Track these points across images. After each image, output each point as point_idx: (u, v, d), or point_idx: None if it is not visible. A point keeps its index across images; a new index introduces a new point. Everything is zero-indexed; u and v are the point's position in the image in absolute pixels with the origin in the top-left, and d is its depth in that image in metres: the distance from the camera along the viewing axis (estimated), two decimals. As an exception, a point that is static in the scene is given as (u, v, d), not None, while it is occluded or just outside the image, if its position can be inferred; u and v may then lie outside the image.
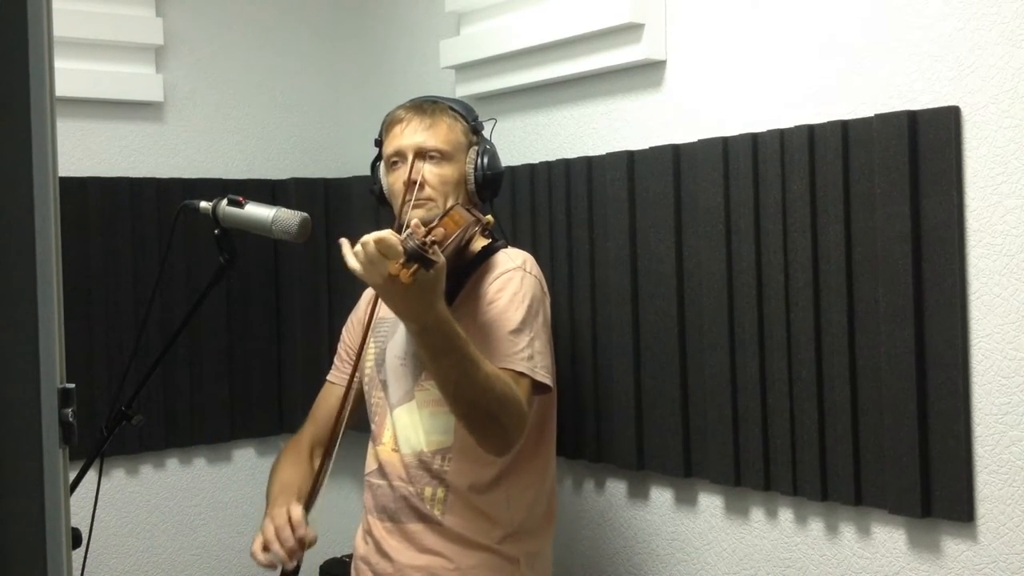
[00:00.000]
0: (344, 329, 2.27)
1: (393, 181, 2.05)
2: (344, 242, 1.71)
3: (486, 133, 2.13)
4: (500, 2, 2.69)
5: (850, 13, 2.01)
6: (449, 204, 1.98)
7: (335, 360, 2.27)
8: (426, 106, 2.07)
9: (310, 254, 3.01)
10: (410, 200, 1.98)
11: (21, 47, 0.98)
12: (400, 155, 2.03)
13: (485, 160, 2.05)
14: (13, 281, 0.99)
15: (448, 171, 2.02)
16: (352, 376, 2.05)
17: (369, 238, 1.63)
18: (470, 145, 2.07)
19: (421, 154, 2.01)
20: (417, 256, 1.55)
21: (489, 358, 1.86)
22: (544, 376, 1.89)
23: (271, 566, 1.92)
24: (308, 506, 1.97)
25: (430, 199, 1.99)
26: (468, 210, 1.93)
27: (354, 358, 2.12)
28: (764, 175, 2.11)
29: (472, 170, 2.04)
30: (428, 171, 2.00)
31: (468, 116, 2.09)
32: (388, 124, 2.08)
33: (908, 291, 1.88)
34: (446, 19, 2.92)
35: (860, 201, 1.96)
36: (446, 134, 2.03)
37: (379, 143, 2.13)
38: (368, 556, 2.06)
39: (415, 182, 1.99)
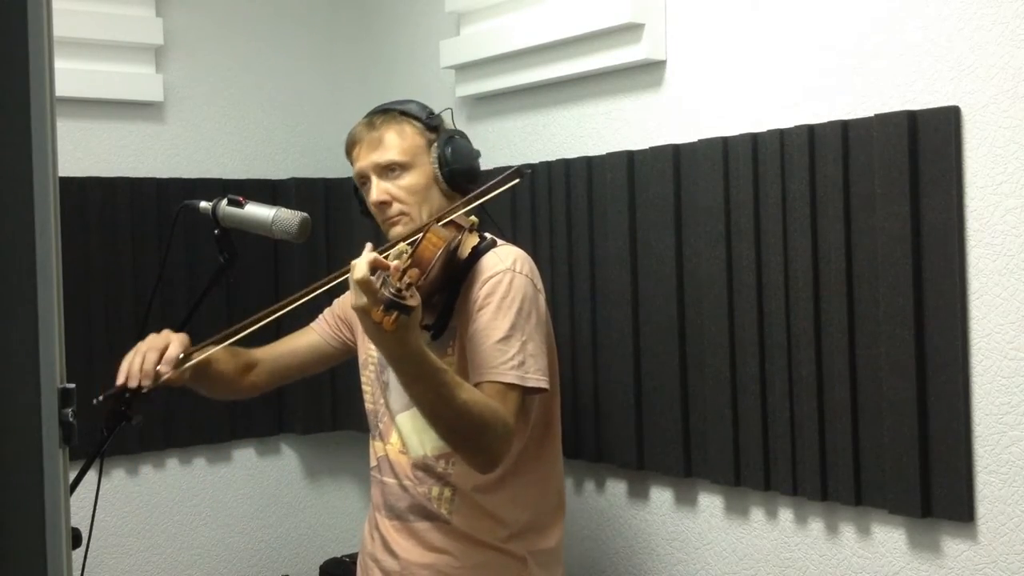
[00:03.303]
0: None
1: (368, 203, 2.04)
2: (368, 246, 1.70)
3: (449, 123, 2.08)
4: (500, 2, 2.69)
5: (850, 13, 2.01)
6: (424, 212, 1.97)
7: (324, 314, 2.26)
8: (375, 120, 2.03)
9: (310, 254, 3.01)
10: (385, 220, 2.00)
11: (21, 47, 0.98)
12: (363, 177, 2.02)
13: (448, 153, 2.00)
14: (13, 281, 0.99)
15: (412, 180, 1.99)
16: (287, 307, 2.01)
17: (353, 270, 1.63)
18: (429, 144, 2.02)
19: (381, 171, 1.99)
20: (394, 305, 1.57)
21: (478, 369, 1.86)
22: (537, 380, 1.88)
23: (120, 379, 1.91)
24: (188, 356, 1.96)
25: (403, 213, 1.98)
26: (449, 222, 1.88)
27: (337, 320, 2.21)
28: (764, 175, 2.11)
29: (437, 168, 2.01)
30: (392, 187, 1.98)
31: (421, 115, 2.04)
32: (348, 147, 2.06)
33: (908, 291, 1.88)
34: (446, 19, 2.92)
35: (860, 201, 1.96)
36: (399, 144, 1.99)
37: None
38: (375, 553, 2.06)
39: (384, 202, 1.98)
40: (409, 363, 1.69)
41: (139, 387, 1.90)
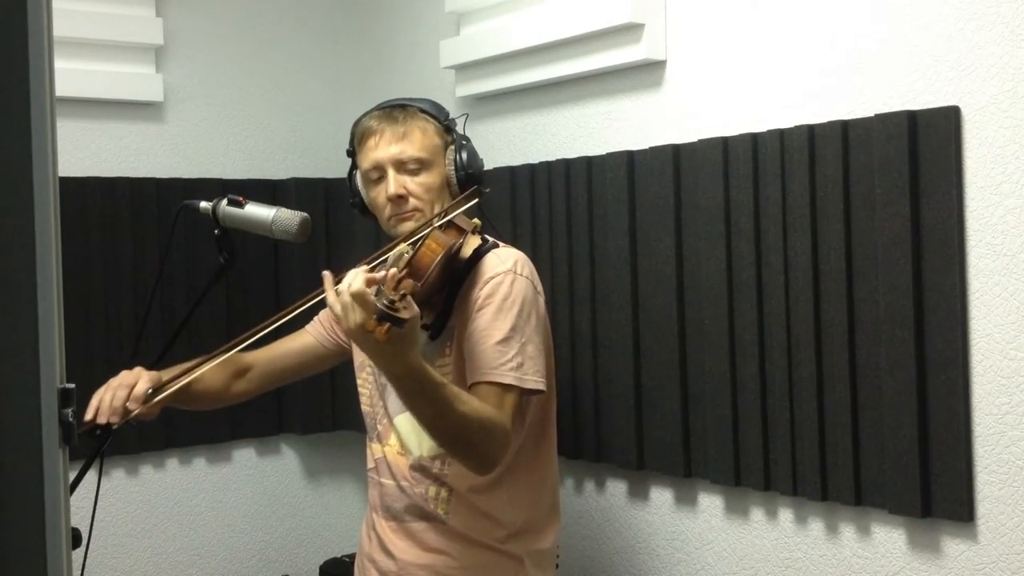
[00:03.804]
0: None
1: (376, 196, 2.01)
2: (327, 276, 1.70)
3: (459, 128, 2.09)
4: (500, 2, 2.69)
5: (850, 13, 2.01)
6: (436, 209, 1.96)
7: (319, 317, 2.25)
8: (396, 113, 2.01)
9: (310, 254, 3.01)
10: (397, 215, 1.97)
11: (21, 47, 0.98)
12: (379, 169, 1.99)
13: (464, 157, 2.01)
14: (13, 281, 0.99)
15: (430, 178, 1.98)
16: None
17: (344, 288, 1.62)
18: (446, 145, 2.03)
19: (400, 165, 1.98)
20: (386, 317, 1.56)
21: (476, 369, 1.86)
22: (535, 382, 1.88)
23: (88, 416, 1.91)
24: (158, 391, 1.95)
25: (417, 209, 1.97)
26: (450, 225, 1.87)
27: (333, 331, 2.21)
28: (764, 175, 2.11)
29: (453, 171, 2.01)
30: (411, 182, 1.97)
31: (439, 116, 2.04)
32: (360, 135, 2.03)
33: (908, 291, 1.88)
34: (446, 19, 2.92)
35: (860, 201, 1.96)
36: (421, 140, 1.98)
37: (351, 153, 2.08)
38: (372, 553, 2.06)
39: (401, 196, 1.97)
40: (408, 380, 1.69)
41: (108, 424, 1.90)
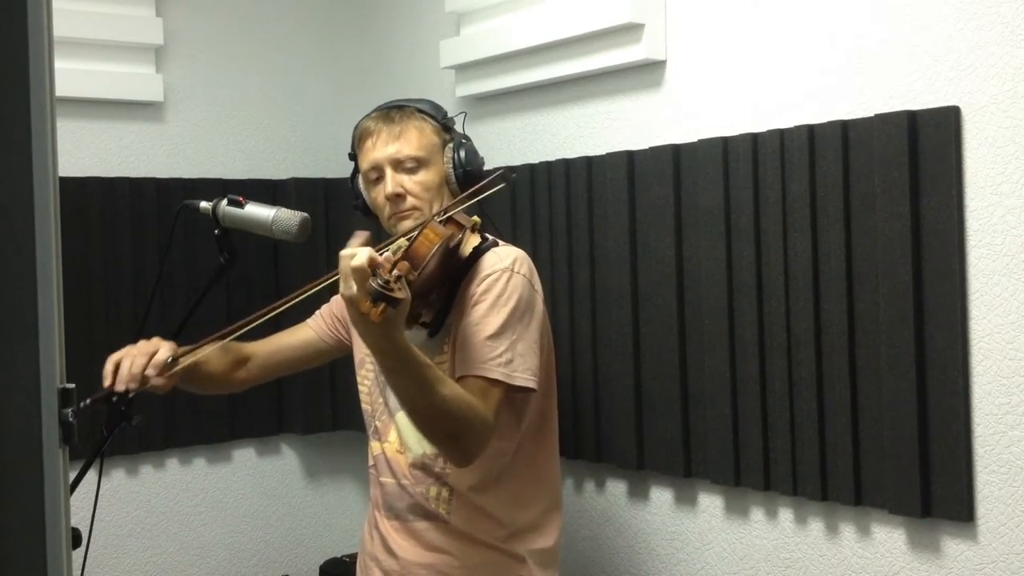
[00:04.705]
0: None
1: (375, 196, 2.03)
2: (363, 235, 1.69)
3: (457, 127, 2.10)
4: (500, 2, 2.69)
5: (850, 13, 2.01)
6: (434, 211, 1.98)
7: (320, 312, 2.26)
8: (393, 113, 2.03)
9: (310, 254, 3.01)
10: (396, 214, 1.98)
11: (21, 47, 0.98)
12: (377, 169, 2.01)
13: (462, 155, 2.03)
14: (13, 281, 0.99)
15: (428, 176, 2.00)
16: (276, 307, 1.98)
17: (346, 256, 1.62)
18: (444, 144, 2.04)
19: (397, 164, 2.00)
20: (381, 297, 1.57)
21: (465, 363, 1.86)
22: (524, 379, 1.88)
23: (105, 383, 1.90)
24: (176, 359, 1.95)
25: (415, 208, 1.99)
26: (449, 220, 1.87)
27: (337, 324, 2.21)
28: (764, 175, 2.11)
29: (451, 169, 2.02)
30: (408, 181, 1.99)
31: (437, 115, 2.06)
32: (359, 137, 2.06)
33: (908, 291, 1.88)
34: (446, 19, 2.92)
35: (860, 201, 1.96)
36: (418, 139, 2.00)
37: (353, 156, 2.10)
38: (375, 552, 2.06)
39: (399, 195, 1.98)
40: (392, 356, 1.69)
41: (126, 391, 1.89)
